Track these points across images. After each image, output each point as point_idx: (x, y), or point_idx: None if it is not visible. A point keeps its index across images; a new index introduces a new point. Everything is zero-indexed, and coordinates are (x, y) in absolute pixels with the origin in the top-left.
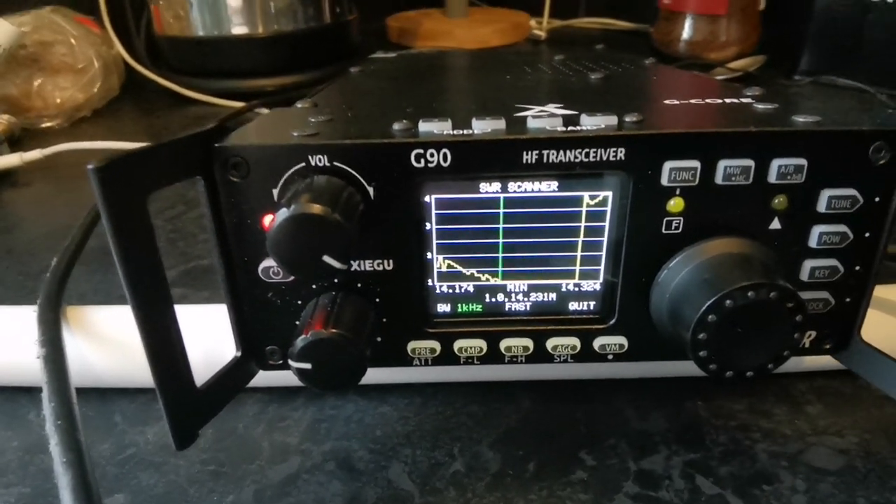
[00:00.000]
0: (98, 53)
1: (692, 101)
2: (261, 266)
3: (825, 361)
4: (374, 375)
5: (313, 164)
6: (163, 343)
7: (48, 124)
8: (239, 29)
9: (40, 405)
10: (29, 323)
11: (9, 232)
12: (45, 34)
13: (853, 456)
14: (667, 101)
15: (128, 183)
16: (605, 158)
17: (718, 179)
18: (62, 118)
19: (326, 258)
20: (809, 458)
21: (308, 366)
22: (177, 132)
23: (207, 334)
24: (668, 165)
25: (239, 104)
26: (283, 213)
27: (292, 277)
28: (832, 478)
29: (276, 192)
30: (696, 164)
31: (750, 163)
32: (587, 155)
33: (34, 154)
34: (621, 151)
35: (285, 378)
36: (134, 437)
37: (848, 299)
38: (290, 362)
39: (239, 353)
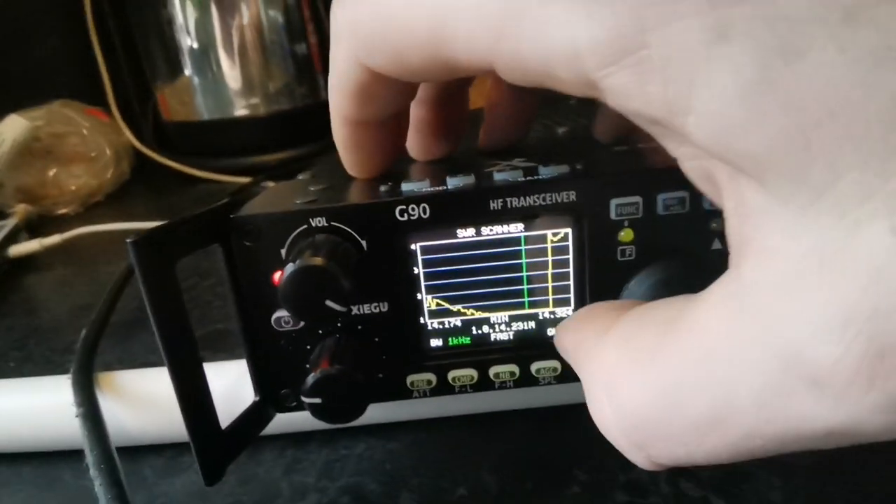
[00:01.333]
0: (109, 141)
1: (640, 145)
2: (273, 317)
3: None
4: (382, 414)
5: (314, 225)
6: (192, 389)
7: (64, 211)
8: (241, 111)
9: (75, 466)
10: (61, 390)
11: (34, 312)
12: (58, 127)
13: (823, 451)
14: (617, 148)
15: (159, 252)
16: (559, 200)
17: (659, 210)
18: (77, 204)
19: (329, 303)
20: (783, 455)
21: (318, 400)
22: (186, 210)
23: (229, 385)
24: (614, 202)
25: (244, 179)
26: (290, 268)
27: (301, 324)
28: (805, 472)
29: (283, 251)
30: (638, 199)
31: (684, 194)
32: (544, 199)
33: (53, 239)
34: (573, 194)
35: (300, 423)
36: (164, 488)
37: None
38: (303, 398)
39: (257, 398)
